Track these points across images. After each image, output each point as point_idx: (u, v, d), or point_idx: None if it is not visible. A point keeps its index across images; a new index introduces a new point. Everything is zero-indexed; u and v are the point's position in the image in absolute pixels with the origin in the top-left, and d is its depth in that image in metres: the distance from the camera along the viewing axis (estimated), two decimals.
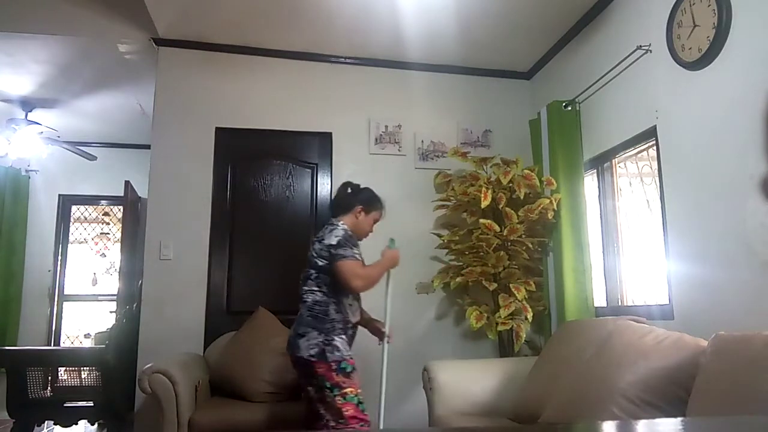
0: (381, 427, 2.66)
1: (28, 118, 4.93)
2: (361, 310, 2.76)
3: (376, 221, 2.82)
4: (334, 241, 2.59)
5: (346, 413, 2.46)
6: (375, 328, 2.92)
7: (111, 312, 5.51)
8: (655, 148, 2.94)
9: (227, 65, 4.03)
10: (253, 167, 4.03)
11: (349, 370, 2.53)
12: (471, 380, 3.08)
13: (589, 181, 3.62)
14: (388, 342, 2.85)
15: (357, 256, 2.62)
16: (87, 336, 6.43)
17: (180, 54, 3.97)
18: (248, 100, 4.03)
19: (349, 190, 2.84)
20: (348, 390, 2.49)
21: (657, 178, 2.94)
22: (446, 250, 3.89)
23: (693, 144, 2.64)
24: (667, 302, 2.81)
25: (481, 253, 3.65)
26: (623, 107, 3.21)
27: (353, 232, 2.70)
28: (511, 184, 3.61)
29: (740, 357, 1.77)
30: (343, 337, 2.58)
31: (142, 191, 5.20)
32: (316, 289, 2.60)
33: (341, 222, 2.69)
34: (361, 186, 2.87)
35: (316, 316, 2.57)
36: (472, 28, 3.72)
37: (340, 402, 2.47)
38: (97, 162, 5.38)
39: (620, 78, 3.21)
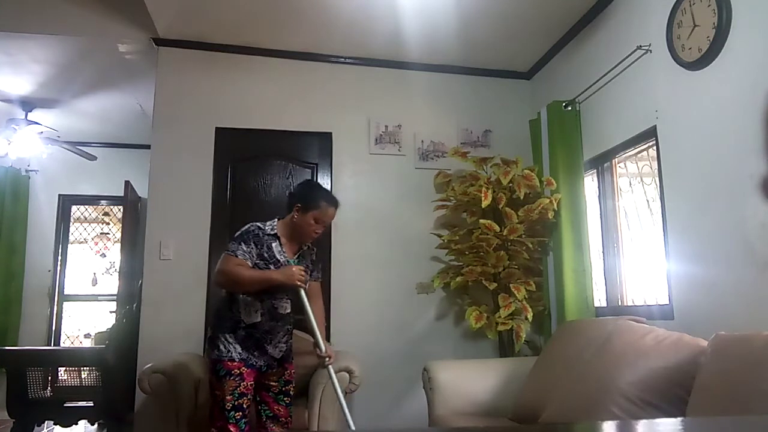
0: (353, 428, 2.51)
1: (28, 118, 4.93)
2: (309, 320, 2.50)
3: (317, 221, 2.51)
4: (235, 235, 2.53)
5: (214, 413, 2.44)
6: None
7: (111, 312, 5.51)
8: (655, 148, 2.94)
9: (227, 65, 4.03)
10: (253, 167, 4.02)
11: (222, 373, 2.42)
12: (471, 380, 3.08)
13: (589, 181, 3.62)
14: (326, 364, 2.51)
15: (240, 253, 2.43)
16: (87, 336, 6.44)
17: (180, 54, 3.97)
18: (248, 100, 4.03)
19: (298, 188, 2.68)
20: (217, 392, 2.43)
21: (657, 178, 2.94)
22: (446, 250, 3.89)
23: (693, 144, 2.64)
24: (667, 302, 2.81)
25: (481, 253, 3.65)
26: (623, 107, 3.21)
27: (293, 234, 2.55)
28: (511, 184, 3.61)
29: (740, 357, 1.77)
30: (228, 336, 2.46)
31: (142, 191, 5.20)
32: None
33: (276, 221, 2.58)
34: (316, 185, 2.71)
35: (214, 312, 2.60)
36: (472, 28, 3.71)
37: (211, 401, 2.47)
38: (97, 162, 5.38)
39: (620, 78, 3.21)
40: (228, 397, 2.40)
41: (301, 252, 2.62)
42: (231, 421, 2.39)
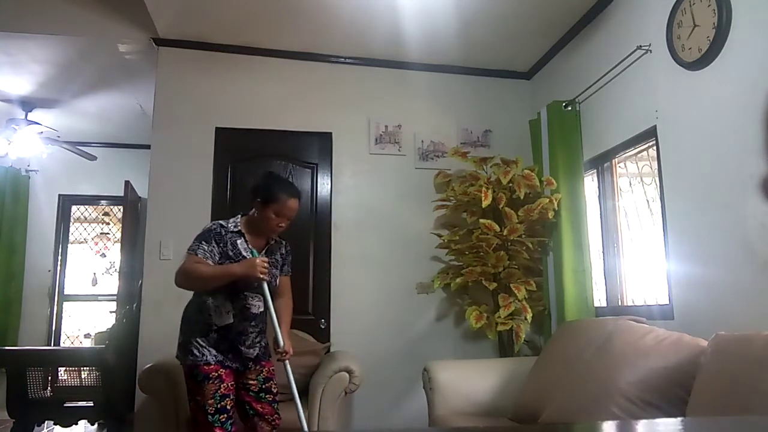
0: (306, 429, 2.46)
1: (28, 118, 4.93)
2: (270, 314, 2.46)
3: (278, 214, 2.41)
4: (197, 235, 2.46)
5: (198, 419, 2.39)
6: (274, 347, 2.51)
7: (111, 312, 5.51)
8: (655, 148, 2.94)
9: (227, 65, 4.03)
10: (253, 167, 4.01)
11: (200, 378, 2.37)
12: (471, 380, 3.08)
13: (589, 181, 3.62)
14: (282, 359, 2.44)
15: (201, 251, 2.38)
16: (87, 336, 6.44)
17: (180, 54, 3.97)
18: (248, 100, 4.03)
19: (258, 181, 2.54)
20: (198, 398, 2.37)
21: (657, 178, 2.94)
22: (446, 250, 3.89)
23: (693, 144, 2.64)
24: (667, 302, 2.81)
25: (481, 253, 3.65)
26: (623, 107, 3.21)
27: (256, 230, 2.49)
28: (511, 184, 3.62)
29: (740, 357, 1.77)
30: (201, 340, 2.42)
31: (142, 191, 5.21)
32: None
33: (239, 217, 2.51)
34: (275, 177, 2.60)
35: (182, 316, 2.54)
36: (472, 28, 3.71)
37: (193, 407, 2.40)
38: (97, 162, 5.38)
39: (620, 78, 3.21)
40: (210, 401, 2.35)
41: (269, 246, 2.56)
42: (216, 425, 2.35)
